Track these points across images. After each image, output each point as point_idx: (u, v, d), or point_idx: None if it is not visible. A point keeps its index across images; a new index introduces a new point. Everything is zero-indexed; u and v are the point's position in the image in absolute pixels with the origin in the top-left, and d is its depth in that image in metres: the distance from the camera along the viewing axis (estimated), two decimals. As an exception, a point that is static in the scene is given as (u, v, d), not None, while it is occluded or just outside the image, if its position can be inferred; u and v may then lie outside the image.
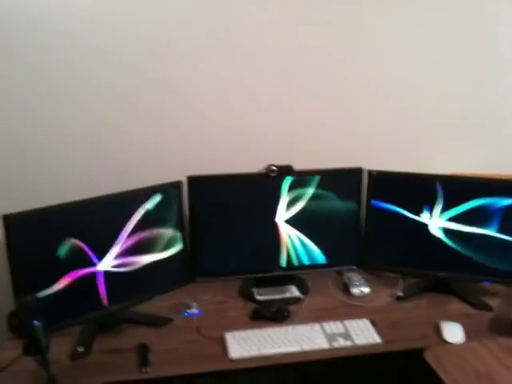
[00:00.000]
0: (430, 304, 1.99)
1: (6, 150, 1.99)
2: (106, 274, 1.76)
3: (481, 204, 1.92)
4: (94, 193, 1.73)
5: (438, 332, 1.78)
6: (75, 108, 2.00)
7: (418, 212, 2.00)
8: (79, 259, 1.70)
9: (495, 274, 1.97)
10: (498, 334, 1.77)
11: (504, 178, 1.97)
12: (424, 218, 1.99)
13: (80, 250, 1.69)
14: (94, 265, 1.73)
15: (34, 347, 1.47)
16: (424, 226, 2.00)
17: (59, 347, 1.68)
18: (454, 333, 1.76)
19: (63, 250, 1.66)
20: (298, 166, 2.00)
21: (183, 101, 2.08)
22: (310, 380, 2.45)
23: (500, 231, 1.92)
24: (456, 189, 1.95)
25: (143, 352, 1.66)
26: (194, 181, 1.93)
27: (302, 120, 2.20)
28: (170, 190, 1.87)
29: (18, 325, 1.56)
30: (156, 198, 1.83)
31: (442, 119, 2.31)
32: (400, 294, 2.02)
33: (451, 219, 1.97)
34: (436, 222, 1.99)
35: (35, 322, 1.46)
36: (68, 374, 1.58)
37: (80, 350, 1.68)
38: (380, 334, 1.77)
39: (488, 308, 1.94)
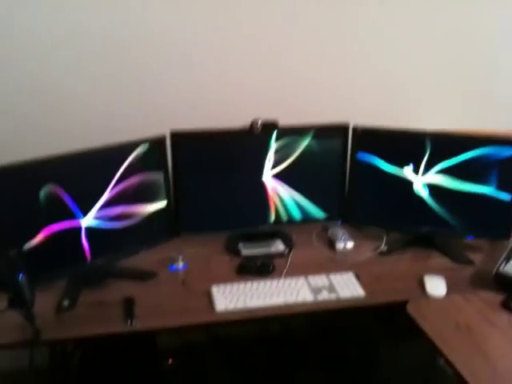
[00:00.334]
0: (413, 258, 2.01)
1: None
2: (90, 228, 1.75)
3: (465, 159, 1.92)
4: (76, 147, 1.69)
5: (421, 285, 1.81)
6: (60, 59, 1.95)
7: (403, 168, 2.00)
8: (62, 213, 1.68)
9: (477, 230, 2.00)
10: (479, 287, 1.80)
11: (490, 134, 1.96)
12: (409, 174, 2.00)
13: (63, 203, 1.68)
14: (77, 218, 1.72)
15: (19, 301, 1.48)
16: (408, 182, 2.00)
17: (44, 301, 1.68)
18: (436, 286, 1.79)
19: (46, 204, 1.64)
20: (283, 121, 1.97)
21: (170, 53, 2.03)
22: (294, 333, 2.50)
23: (482, 186, 1.93)
24: (443, 145, 1.94)
25: (128, 305, 1.67)
26: (177, 135, 1.90)
27: (289, 76, 2.17)
28: (153, 144, 1.84)
29: (3, 278, 1.56)
30: (140, 152, 1.80)
31: (428, 77, 2.30)
32: (384, 248, 2.04)
33: (435, 175, 1.97)
34: (420, 178, 1.99)
35: (19, 276, 1.45)
36: (53, 327, 1.58)
37: (65, 303, 1.68)
38: (364, 287, 1.79)
39: (470, 262, 1.97)
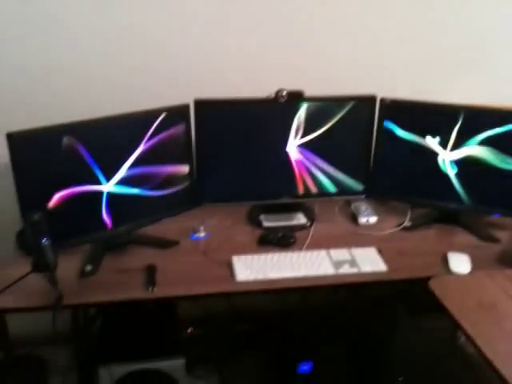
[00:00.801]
0: (438, 235, 1.99)
1: (11, 68, 1.94)
2: (112, 193, 1.76)
3: (496, 134, 1.87)
4: (99, 115, 1.69)
5: (444, 262, 1.78)
6: (86, 24, 1.94)
7: (430, 142, 1.95)
8: (86, 176, 1.69)
9: (504, 207, 1.95)
10: (504, 265, 1.78)
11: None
12: (436, 148, 1.95)
13: (88, 167, 1.68)
14: (100, 183, 1.72)
15: (42, 264, 1.50)
16: (436, 156, 1.96)
17: (68, 265, 1.70)
18: (460, 263, 1.76)
19: (70, 167, 1.65)
20: (309, 92, 1.93)
21: (192, 21, 2.00)
22: (314, 307, 2.50)
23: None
24: (474, 119, 1.89)
25: (150, 272, 1.68)
26: (201, 104, 1.87)
27: (315, 45, 2.13)
28: (177, 112, 1.82)
29: (26, 243, 1.58)
30: (163, 121, 1.79)
31: (459, 49, 2.22)
32: (408, 223, 2.02)
33: (464, 150, 1.92)
34: (448, 152, 1.94)
35: (43, 240, 1.47)
36: (76, 292, 1.60)
37: (88, 268, 1.70)
38: (386, 262, 1.77)
39: (495, 240, 1.94)
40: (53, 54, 1.95)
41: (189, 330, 2.50)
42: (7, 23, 1.87)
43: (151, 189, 1.84)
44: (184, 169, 1.91)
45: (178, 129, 1.84)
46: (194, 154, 1.93)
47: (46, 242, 1.47)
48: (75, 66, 1.99)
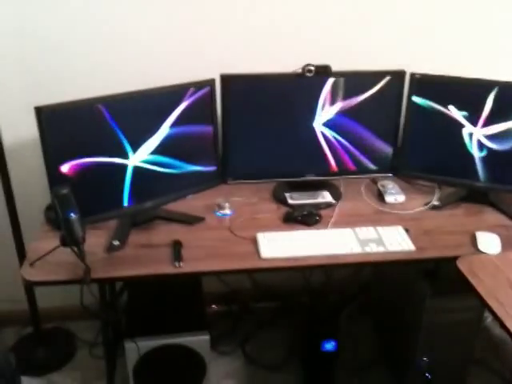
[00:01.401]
0: (467, 214, 1.95)
1: (37, 45, 1.95)
2: (139, 168, 1.76)
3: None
4: (125, 89, 1.69)
5: (473, 242, 1.75)
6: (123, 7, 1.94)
7: (461, 118, 1.91)
8: (114, 150, 1.70)
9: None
10: (535, 246, 1.74)
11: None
12: (467, 124, 1.91)
13: (117, 141, 1.69)
14: (127, 157, 1.73)
15: (70, 238, 1.51)
16: (466, 134, 1.92)
17: (95, 241, 1.72)
18: (490, 243, 1.73)
19: (99, 141, 1.67)
20: (336, 67, 1.90)
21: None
22: (338, 285, 2.50)
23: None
24: (508, 96, 1.84)
25: (176, 248, 1.69)
26: (227, 79, 1.86)
27: (342, 19, 2.09)
28: (203, 87, 1.81)
29: (55, 217, 1.60)
30: (189, 96, 1.78)
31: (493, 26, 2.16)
32: (436, 202, 1.99)
33: (495, 127, 1.88)
34: (480, 129, 1.90)
35: (70, 214, 1.49)
36: (103, 265, 1.62)
37: (115, 243, 1.72)
38: (413, 241, 1.75)
39: (526, 220, 1.90)
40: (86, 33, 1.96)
41: (213, 306, 2.52)
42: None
43: (177, 165, 1.84)
44: (210, 146, 1.90)
45: (204, 105, 1.83)
46: (220, 131, 1.92)
47: (74, 216, 1.49)
48: (100, 46, 2.00)
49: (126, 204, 1.78)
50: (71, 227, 1.49)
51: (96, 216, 1.72)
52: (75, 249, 1.52)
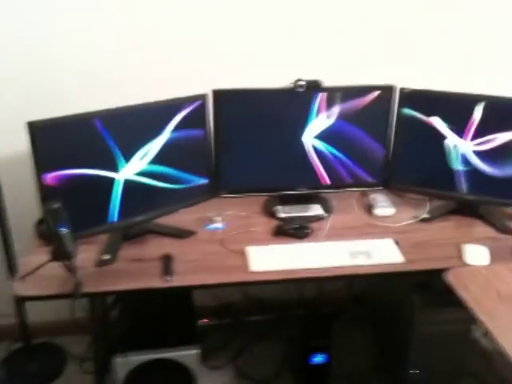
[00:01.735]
0: (456, 226, 1.97)
1: (30, 61, 1.97)
2: (131, 182, 1.77)
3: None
4: (116, 105, 1.70)
5: (462, 254, 1.77)
6: (103, 20, 1.96)
7: (450, 133, 1.93)
8: (107, 164, 1.71)
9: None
10: (523, 258, 1.76)
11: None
12: (455, 139, 1.93)
13: (111, 154, 1.70)
14: (119, 171, 1.73)
15: (61, 252, 1.51)
16: (455, 148, 1.94)
17: (86, 254, 1.72)
18: (478, 255, 1.75)
19: (92, 155, 1.68)
20: (327, 82, 1.92)
21: (209, 13, 2.00)
22: (330, 298, 2.51)
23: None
24: (496, 110, 1.87)
25: (167, 261, 1.69)
26: (219, 94, 1.88)
27: (332, 36, 2.11)
28: (194, 103, 1.82)
29: (46, 231, 1.60)
30: (181, 111, 1.79)
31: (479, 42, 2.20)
32: (425, 215, 2.00)
33: (482, 142, 1.90)
34: (467, 143, 1.92)
35: (61, 228, 1.49)
36: (94, 280, 1.62)
37: (106, 257, 1.72)
38: (403, 253, 1.77)
39: (514, 232, 1.92)
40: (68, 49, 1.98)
41: (204, 321, 2.51)
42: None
43: (168, 180, 1.85)
44: (202, 160, 1.91)
45: (196, 120, 1.85)
46: (212, 146, 1.93)
47: (65, 231, 1.49)
48: (96, 60, 2.02)
49: (115, 219, 1.78)
50: (62, 241, 1.49)
51: (87, 231, 1.72)
52: (66, 263, 1.52)
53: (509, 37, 2.22)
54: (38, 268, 1.60)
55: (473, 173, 1.95)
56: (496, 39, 2.22)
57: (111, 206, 1.76)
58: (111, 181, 1.73)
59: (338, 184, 2.07)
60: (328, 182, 2.05)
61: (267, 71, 2.09)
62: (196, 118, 1.85)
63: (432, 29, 2.17)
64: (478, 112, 1.88)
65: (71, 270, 1.52)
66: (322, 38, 2.11)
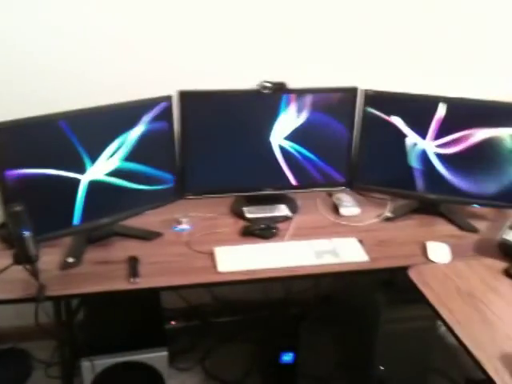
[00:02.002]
0: (418, 225, 2.01)
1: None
2: (96, 183, 1.75)
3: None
4: (83, 106, 1.68)
5: (424, 252, 1.81)
6: (68, 20, 1.94)
7: (411, 133, 1.98)
8: (73, 165, 1.69)
9: (483, 198, 1.99)
10: (482, 255, 1.80)
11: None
12: (416, 139, 1.98)
13: (76, 155, 1.68)
14: (84, 172, 1.71)
15: (24, 256, 1.49)
16: (417, 148, 1.99)
17: (50, 257, 1.70)
18: (440, 253, 1.79)
19: (54, 159, 1.65)
20: (292, 84, 1.94)
21: (176, 15, 2.00)
22: (297, 297, 2.53)
23: (486, 157, 1.92)
24: (457, 111, 1.92)
25: (133, 263, 1.69)
26: (185, 96, 1.88)
27: (298, 38, 2.14)
28: (160, 104, 1.82)
29: (8, 235, 1.58)
30: (147, 112, 1.79)
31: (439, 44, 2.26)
32: (389, 214, 2.04)
33: (443, 143, 1.95)
34: (427, 144, 1.97)
35: (24, 232, 1.46)
36: (58, 284, 1.60)
37: (70, 260, 1.70)
38: (367, 252, 1.80)
39: (474, 230, 1.97)
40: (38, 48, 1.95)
41: (172, 323, 2.50)
42: None
43: (134, 181, 1.84)
44: (168, 161, 1.91)
45: (162, 121, 1.84)
46: (177, 147, 1.93)
47: (28, 234, 1.47)
48: (62, 60, 1.99)
49: (79, 221, 1.75)
50: (25, 245, 1.47)
51: (49, 233, 1.69)
52: (29, 267, 1.50)
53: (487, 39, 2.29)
54: (0, 272, 1.57)
55: (433, 172, 2.00)
56: (465, 41, 2.28)
57: (76, 208, 1.74)
58: (76, 182, 1.71)
59: (304, 184, 2.09)
60: (294, 182, 2.07)
61: (235, 72, 2.10)
62: (162, 120, 1.84)
63: (393, 34, 2.21)
64: (438, 113, 1.92)
65: (34, 273, 1.50)
66: (290, 40, 2.13)
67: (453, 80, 2.27)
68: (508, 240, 1.76)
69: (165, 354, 1.93)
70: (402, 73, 2.25)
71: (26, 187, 1.61)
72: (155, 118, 1.82)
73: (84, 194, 1.74)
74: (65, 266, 1.68)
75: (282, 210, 2.06)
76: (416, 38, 2.23)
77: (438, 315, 1.50)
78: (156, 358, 1.93)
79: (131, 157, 1.80)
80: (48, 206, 1.67)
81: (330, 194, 2.19)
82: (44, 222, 1.64)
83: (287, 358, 2.09)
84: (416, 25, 2.21)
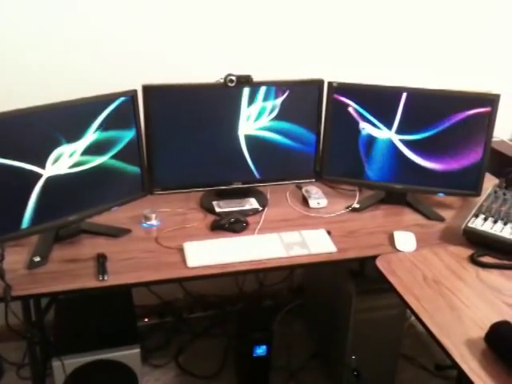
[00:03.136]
0: (385, 215, 2.04)
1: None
2: (58, 179, 1.71)
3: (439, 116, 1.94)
4: (50, 100, 1.66)
5: (391, 241, 1.83)
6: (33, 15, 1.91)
7: (377, 124, 2.00)
8: (34, 158, 1.65)
9: (448, 186, 2.02)
10: (448, 242, 1.83)
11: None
12: (381, 129, 2.00)
13: (39, 149, 1.65)
14: (45, 167, 1.67)
15: (-12, 256, 1.47)
16: (381, 138, 2.01)
17: (16, 257, 1.68)
18: (406, 242, 1.81)
19: (17, 152, 1.61)
20: (256, 78, 1.94)
21: (139, 6, 1.98)
22: (270, 290, 2.54)
23: (449, 146, 1.96)
24: (419, 101, 1.95)
25: (101, 261, 1.67)
26: (149, 90, 1.86)
27: (263, 30, 2.14)
28: (124, 99, 1.80)
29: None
30: (110, 107, 1.77)
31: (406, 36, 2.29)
32: (356, 205, 2.06)
33: (408, 132, 1.98)
34: (392, 134, 2.00)
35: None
36: (24, 283, 1.58)
37: (36, 259, 1.67)
38: (335, 242, 1.81)
39: (440, 218, 2.00)
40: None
41: (145, 320, 2.50)
42: None
43: (99, 176, 1.82)
44: (134, 157, 1.89)
45: (126, 115, 1.82)
46: (144, 141, 1.92)
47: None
48: (22, 54, 1.96)
49: (41, 219, 1.71)
50: (-12, 245, 1.45)
51: (15, 232, 1.65)
52: (-7, 266, 1.48)
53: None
54: (-36, 273, 1.54)
55: (399, 162, 2.02)
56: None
57: (36, 205, 1.68)
58: (36, 177, 1.66)
59: (272, 177, 2.09)
60: (263, 175, 2.08)
61: (200, 66, 2.11)
62: (126, 114, 1.82)
63: (358, 26, 2.23)
64: (401, 103, 1.95)
65: (0, 273, 1.48)
66: (256, 32, 2.14)
67: (416, 72, 2.31)
68: (473, 227, 1.79)
69: (137, 351, 1.91)
70: (367, 65, 2.28)
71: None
72: (119, 113, 1.80)
73: (45, 191, 1.69)
74: (31, 265, 1.66)
75: (252, 203, 2.07)
76: (382, 29, 2.26)
77: (405, 303, 1.52)
78: (129, 355, 1.91)
79: (95, 152, 1.78)
80: (8, 204, 1.62)
81: (299, 187, 2.20)
82: (5, 221, 1.61)
83: (260, 351, 2.10)
84: (383, 16, 2.24)
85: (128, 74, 1.95)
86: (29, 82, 1.99)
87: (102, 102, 1.76)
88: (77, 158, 1.74)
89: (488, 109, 1.90)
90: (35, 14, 1.91)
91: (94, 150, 1.77)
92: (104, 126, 1.77)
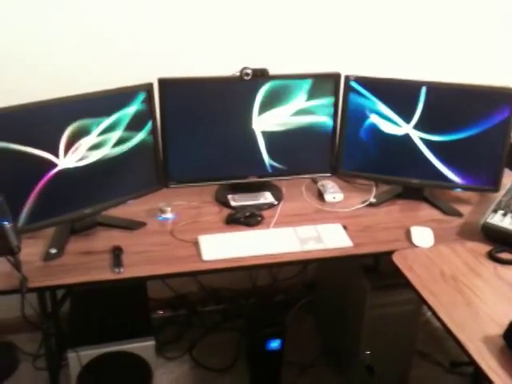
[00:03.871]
0: (402, 210, 2.02)
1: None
2: (75, 172, 1.72)
3: (460, 110, 1.91)
4: (63, 94, 1.66)
5: (408, 236, 1.81)
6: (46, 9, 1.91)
7: (395, 117, 1.98)
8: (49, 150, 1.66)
9: (467, 182, 1.99)
10: (466, 238, 1.81)
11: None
12: (401, 123, 1.98)
13: (55, 142, 1.66)
14: (60, 159, 1.69)
15: (5, 247, 1.47)
16: (400, 133, 1.99)
17: (32, 249, 1.69)
18: (423, 237, 1.80)
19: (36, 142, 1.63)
20: (273, 71, 1.93)
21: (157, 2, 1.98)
22: (284, 285, 2.53)
23: (475, 137, 1.93)
24: (438, 95, 1.92)
25: (116, 253, 1.68)
26: (165, 83, 1.86)
27: (280, 24, 2.13)
28: (140, 92, 1.80)
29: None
30: (127, 100, 1.77)
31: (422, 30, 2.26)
32: (372, 200, 2.04)
33: (427, 128, 1.96)
34: (411, 128, 1.97)
35: (4, 222, 1.45)
36: (40, 275, 1.59)
37: (53, 251, 1.68)
38: (351, 237, 1.80)
39: (458, 214, 1.98)
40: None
41: (159, 312, 2.50)
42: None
43: (116, 170, 1.82)
44: (149, 150, 1.89)
45: (142, 109, 1.82)
46: (159, 135, 1.91)
47: (8, 225, 1.45)
48: (40, 48, 1.97)
49: (64, 211, 1.73)
50: (6, 236, 1.45)
51: (33, 224, 1.67)
52: (10, 258, 1.49)
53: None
54: (-19, 264, 1.55)
55: (417, 157, 2.00)
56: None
57: (53, 197, 1.70)
58: (52, 168, 1.68)
59: (288, 171, 2.08)
60: (278, 169, 2.07)
61: (216, 59, 2.10)
62: (142, 108, 1.82)
63: (376, 20, 2.21)
64: (421, 97, 1.92)
65: (16, 264, 1.49)
66: (272, 26, 2.13)
67: (437, 66, 2.28)
68: (491, 223, 1.77)
69: (152, 343, 1.92)
70: (385, 59, 2.26)
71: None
72: (136, 106, 1.80)
73: (62, 183, 1.71)
74: (48, 257, 1.67)
75: (267, 197, 2.06)
76: (401, 24, 2.24)
77: (421, 299, 1.51)
78: (143, 347, 1.92)
79: (111, 146, 1.78)
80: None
81: (314, 181, 2.19)
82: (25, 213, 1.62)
83: (274, 345, 2.10)
84: (400, 9, 2.21)
85: (143, 68, 1.95)
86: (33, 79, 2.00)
87: (118, 95, 1.75)
88: (93, 150, 1.75)
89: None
90: (46, 10, 1.92)
91: (110, 143, 1.77)
92: (122, 120, 1.77)
